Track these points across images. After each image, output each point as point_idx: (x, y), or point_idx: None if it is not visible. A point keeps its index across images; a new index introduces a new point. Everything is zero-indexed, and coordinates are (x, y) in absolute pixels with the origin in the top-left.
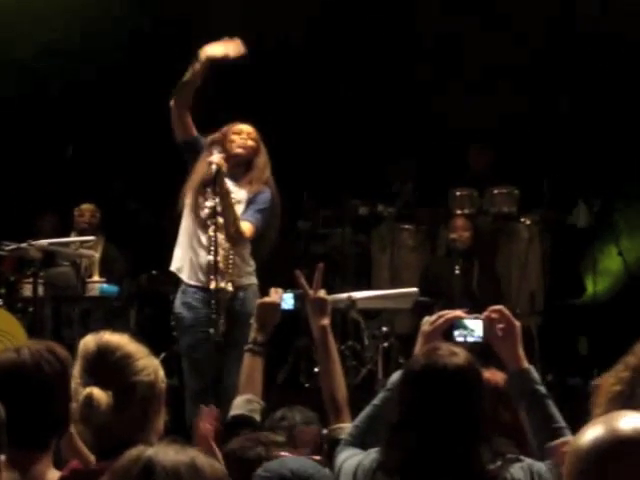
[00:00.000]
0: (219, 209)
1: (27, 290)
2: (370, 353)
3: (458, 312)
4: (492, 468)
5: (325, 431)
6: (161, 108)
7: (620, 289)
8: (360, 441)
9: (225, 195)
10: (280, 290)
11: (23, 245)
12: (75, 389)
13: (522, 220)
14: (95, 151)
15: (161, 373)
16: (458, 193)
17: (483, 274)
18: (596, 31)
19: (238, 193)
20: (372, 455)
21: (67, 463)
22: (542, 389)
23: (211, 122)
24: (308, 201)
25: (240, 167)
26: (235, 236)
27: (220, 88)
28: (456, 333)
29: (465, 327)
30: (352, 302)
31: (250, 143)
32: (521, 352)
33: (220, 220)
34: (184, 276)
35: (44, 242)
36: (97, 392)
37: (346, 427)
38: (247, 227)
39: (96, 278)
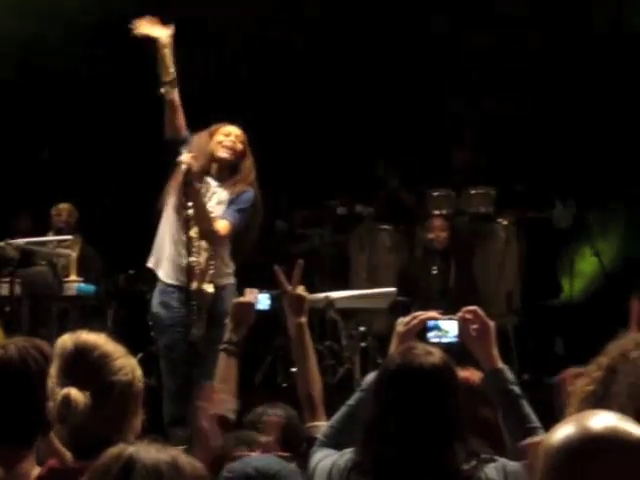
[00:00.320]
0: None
1: (4, 289)
2: (348, 353)
3: (432, 313)
4: (466, 468)
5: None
6: (139, 108)
7: (596, 290)
8: (335, 441)
9: (195, 194)
10: (255, 290)
11: (0, 244)
12: (52, 388)
13: (499, 220)
14: (73, 151)
15: (139, 373)
16: (435, 194)
17: (460, 274)
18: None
19: (222, 194)
20: (347, 455)
21: (44, 462)
22: (516, 389)
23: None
24: (286, 201)
25: (226, 170)
26: (209, 234)
27: (199, 87)
28: (431, 334)
29: (440, 328)
30: (330, 302)
31: (239, 146)
32: (496, 352)
33: None
34: (162, 275)
35: (21, 241)
36: (74, 392)
37: (322, 425)
38: (224, 225)
39: (73, 277)
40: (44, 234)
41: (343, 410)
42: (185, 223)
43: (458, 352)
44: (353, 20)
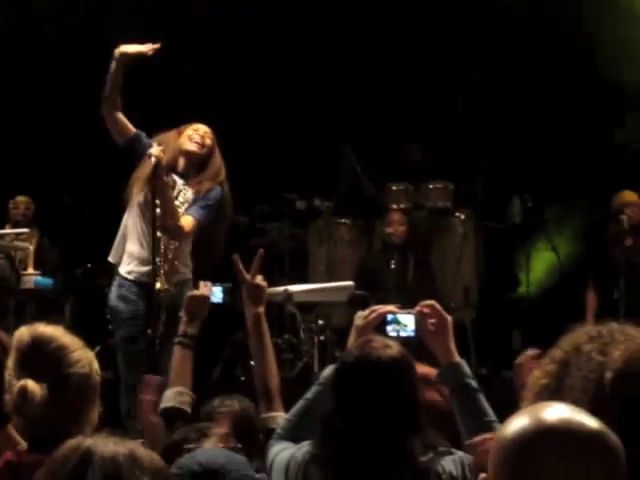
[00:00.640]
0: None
1: None
2: (306, 346)
3: (391, 307)
4: (424, 460)
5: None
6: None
7: (553, 284)
8: (292, 435)
9: (163, 188)
10: (209, 283)
11: None
12: (9, 381)
13: (457, 215)
14: (31, 144)
15: (96, 365)
16: (394, 187)
17: (418, 268)
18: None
19: (187, 193)
20: (304, 448)
21: (1, 454)
22: (473, 383)
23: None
24: (245, 195)
25: (194, 166)
26: (173, 230)
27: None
28: (389, 328)
29: (398, 322)
30: (288, 295)
31: (208, 142)
32: (453, 346)
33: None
34: (123, 269)
35: None
36: (31, 384)
37: (278, 416)
38: (187, 221)
39: (31, 270)
40: (1, 227)
41: (301, 403)
42: (152, 222)
43: (416, 345)
44: (297, 11)
